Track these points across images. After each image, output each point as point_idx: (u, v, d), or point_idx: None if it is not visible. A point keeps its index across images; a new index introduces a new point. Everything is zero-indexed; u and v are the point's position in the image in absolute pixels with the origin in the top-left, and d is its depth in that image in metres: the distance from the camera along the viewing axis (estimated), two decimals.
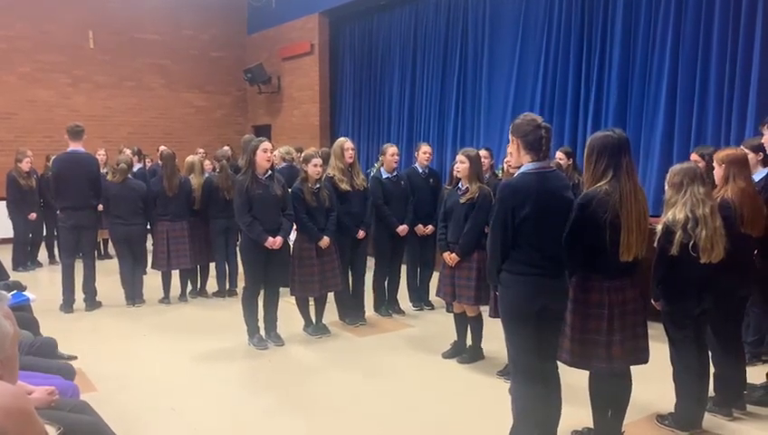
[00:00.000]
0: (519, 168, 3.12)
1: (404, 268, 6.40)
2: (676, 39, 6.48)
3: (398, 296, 6.34)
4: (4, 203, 8.71)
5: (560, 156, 6.08)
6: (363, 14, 10.98)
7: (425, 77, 9.80)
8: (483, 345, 4.86)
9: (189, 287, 6.96)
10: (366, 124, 11.09)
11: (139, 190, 6.50)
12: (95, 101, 11.81)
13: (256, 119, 13.23)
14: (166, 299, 6.73)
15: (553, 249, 3.02)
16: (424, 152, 6.23)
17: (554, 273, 3.04)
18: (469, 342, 4.90)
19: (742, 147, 4.11)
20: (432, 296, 6.09)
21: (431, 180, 6.26)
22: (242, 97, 13.47)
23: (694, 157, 4.59)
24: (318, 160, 5.30)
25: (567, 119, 7.57)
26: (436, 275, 5.46)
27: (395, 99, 10.41)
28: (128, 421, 3.62)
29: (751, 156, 4.02)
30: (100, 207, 6.50)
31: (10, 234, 8.68)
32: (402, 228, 5.99)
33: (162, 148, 7.97)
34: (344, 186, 5.57)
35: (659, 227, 3.45)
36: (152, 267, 6.76)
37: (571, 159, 6.23)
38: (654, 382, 3.73)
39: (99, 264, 6.93)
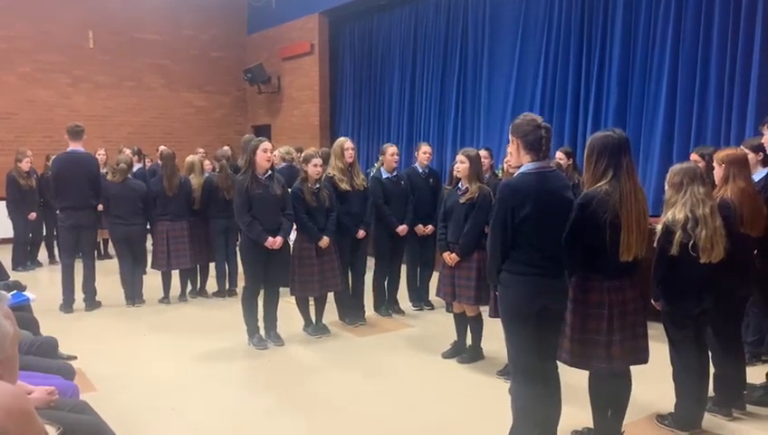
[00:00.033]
0: (519, 168, 3.12)
1: (404, 268, 6.40)
2: (676, 38, 6.48)
3: (397, 296, 6.34)
4: (4, 203, 8.72)
5: (560, 156, 6.07)
6: (363, 14, 10.98)
7: (425, 77, 9.80)
8: (483, 345, 4.86)
9: (189, 287, 6.96)
10: (366, 124, 11.10)
11: (139, 190, 6.50)
12: (95, 101, 11.81)
13: (256, 119, 13.23)
14: (166, 299, 6.73)
15: (553, 249, 3.02)
16: (424, 152, 6.23)
17: (554, 273, 3.04)
18: (469, 342, 4.90)
19: (742, 147, 4.11)
20: (432, 296, 6.09)
21: (431, 180, 6.26)
22: (242, 97, 13.47)
23: (694, 157, 4.58)
24: (318, 160, 5.30)
25: (567, 119, 7.57)
26: (435, 275, 5.46)
27: (395, 99, 10.41)
28: (128, 421, 3.62)
29: (751, 156, 4.02)
30: (100, 207, 6.50)
31: (10, 234, 8.68)
32: (402, 228, 5.99)
33: (162, 148, 7.96)
34: (344, 186, 5.58)
35: (659, 227, 3.45)
36: (152, 267, 6.76)
37: (571, 159, 6.22)
38: (654, 382, 3.73)
39: (99, 264, 6.93)
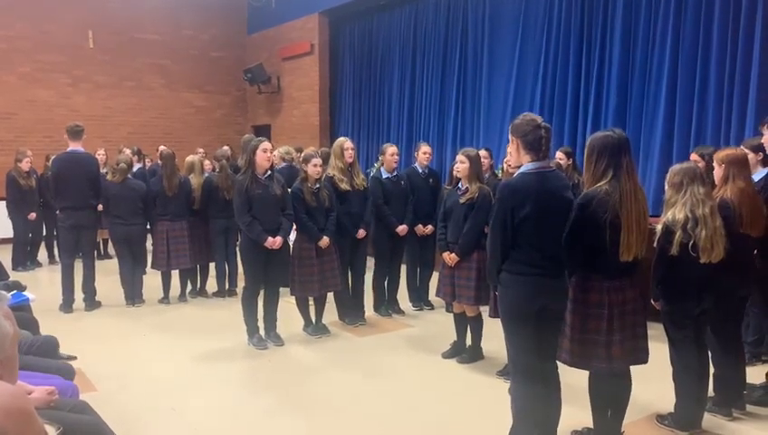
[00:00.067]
0: (519, 168, 3.13)
1: (404, 268, 6.40)
2: (676, 38, 6.49)
3: (397, 296, 6.34)
4: (3, 203, 8.72)
5: (560, 156, 6.08)
6: (363, 14, 10.98)
7: (425, 77, 9.80)
8: (482, 345, 4.86)
9: (189, 287, 6.96)
10: (366, 124, 11.10)
11: (139, 190, 6.50)
12: (95, 101, 11.81)
13: (256, 119, 13.23)
14: (165, 299, 6.73)
15: (553, 249, 3.02)
16: (424, 152, 6.23)
17: (554, 273, 3.04)
18: (469, 342, 4.90)
19: (742, 147, 4.11)
20: (432, 296, 6.09)
21: (431, 180, 6.26)
22: (242, 97, 13.47)
23: (694, 157, 4.58)
24: (318, 160, 5.30)
25: (567, 119, 7.57)
26: (435, 275, 5.46)
27: (395, 99, 10.41)
28: (128, 421, 3.62)
29: (751, 156, 4.02)
30: (100, 207, 6.50)
31: (10, 234, 8.68)
32: (402, 228, 5.99)
33: (162, 148, 7.96)
34: (344, 186, 5.58)
35: (659, 227, 3.45)
36: (152, 267, 6.76)
37: (571, 159, 6.23)
38: (654, 382, 3.73)
39: (98, 264, 6.93)
